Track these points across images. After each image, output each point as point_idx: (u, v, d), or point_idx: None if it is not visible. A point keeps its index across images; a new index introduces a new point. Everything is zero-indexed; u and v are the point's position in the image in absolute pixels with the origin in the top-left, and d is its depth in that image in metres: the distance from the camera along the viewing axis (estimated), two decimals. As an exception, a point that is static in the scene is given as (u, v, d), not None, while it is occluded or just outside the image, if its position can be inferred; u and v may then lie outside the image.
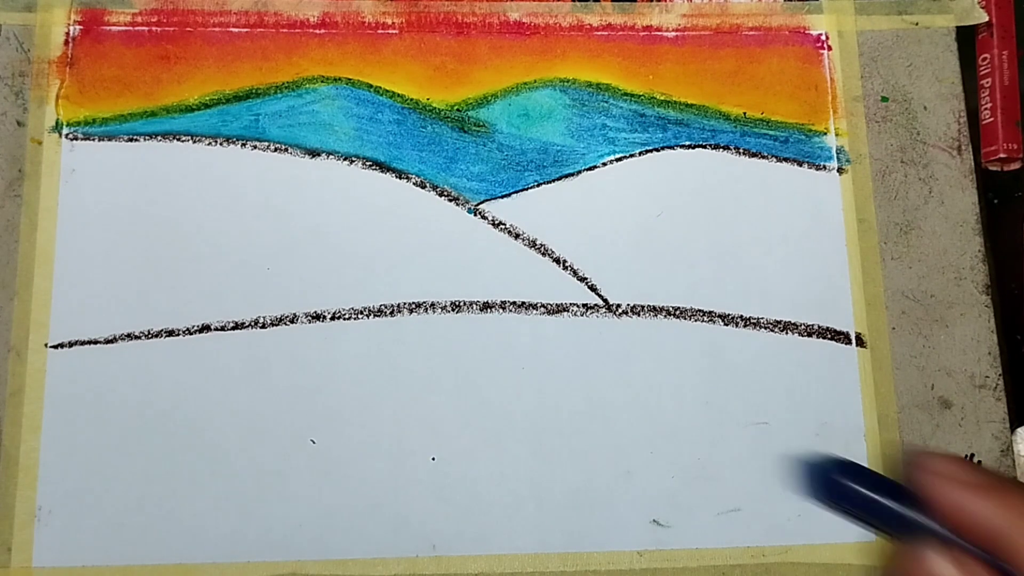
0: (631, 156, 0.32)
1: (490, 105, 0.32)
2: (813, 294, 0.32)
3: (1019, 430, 0.31)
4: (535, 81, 0.33)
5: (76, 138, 0.31)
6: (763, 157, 0.33)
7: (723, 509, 0.30)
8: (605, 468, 0.30)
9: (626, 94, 0.33)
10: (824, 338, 0.31)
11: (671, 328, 0.31)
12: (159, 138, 0.31)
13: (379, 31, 0.32)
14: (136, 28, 0.32)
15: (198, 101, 0.31)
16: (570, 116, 0.32)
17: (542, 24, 0.33)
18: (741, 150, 0.33)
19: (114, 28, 0.32)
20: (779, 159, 0.33)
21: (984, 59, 0.35)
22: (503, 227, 0.31)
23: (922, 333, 0.32)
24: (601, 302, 0.31)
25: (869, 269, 0.32)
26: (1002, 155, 0.34)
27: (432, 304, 0.31)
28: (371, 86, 0.32)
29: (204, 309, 0.30)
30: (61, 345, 0.30)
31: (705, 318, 0.31)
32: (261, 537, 0.29)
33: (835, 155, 0.33)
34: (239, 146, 0.31)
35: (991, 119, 0.34)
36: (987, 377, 0.32)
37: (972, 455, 0.30)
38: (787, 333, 0.31)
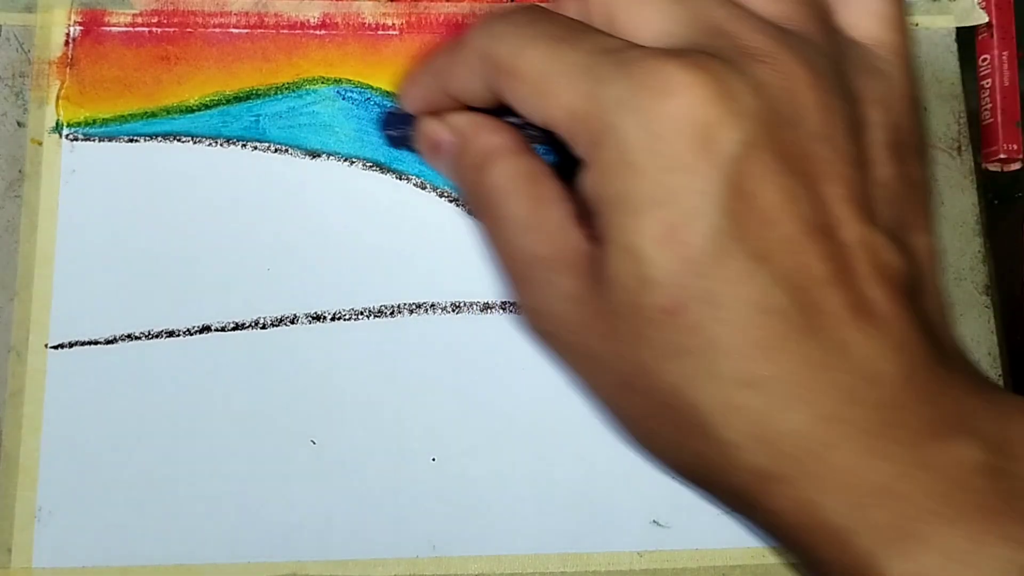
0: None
1: (490, 106, 0.32)
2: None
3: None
4: (535, 82, 0.33)
5: (76, 139, 0.31)
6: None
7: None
8: (605, 468, 0.30)
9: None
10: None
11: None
12: (160, 139, 0.31)
13: (379, 32, 0.32)
14: (136, 29, 0.32)
15: (198, 102, 0.31)
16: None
17: (542, 25, 0.33)
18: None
19: (114, 29, 0.32)
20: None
21: (984, 60, 0.35)
22: (503, 227, 0.31)
23: (922, 333, 0.32)
24: (601, 302, 0.31)
25: (869, 269, 0.32)
26: (1002, 156, 0.34)
27: (432, 304, 0.31)
28: (372, 87, 0.32)
29: (204, 309, 0.30)
30: (61, 345, 0.30)
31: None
32: (261, 537, 0.29)
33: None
34: (239, 147, 0.31)
35: (991, 120, 0.34)
36: (987, 378, 0.32)
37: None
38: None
